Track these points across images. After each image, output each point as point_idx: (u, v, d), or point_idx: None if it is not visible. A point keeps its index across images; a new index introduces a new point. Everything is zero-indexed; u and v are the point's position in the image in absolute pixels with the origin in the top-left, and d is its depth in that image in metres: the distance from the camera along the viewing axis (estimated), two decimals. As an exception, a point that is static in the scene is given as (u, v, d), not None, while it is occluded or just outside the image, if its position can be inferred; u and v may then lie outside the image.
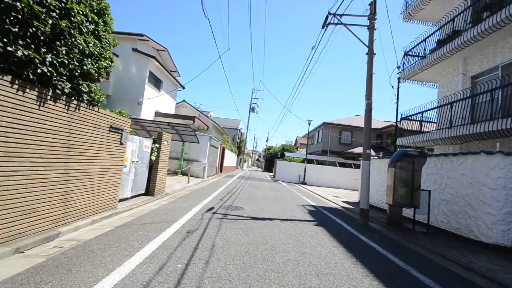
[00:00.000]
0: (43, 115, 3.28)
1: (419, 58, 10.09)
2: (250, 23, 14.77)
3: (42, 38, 3.19)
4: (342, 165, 23.55)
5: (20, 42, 2.96)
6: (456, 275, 3.86)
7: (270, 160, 42.04)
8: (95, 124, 4.34)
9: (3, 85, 2.75)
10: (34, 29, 3.06)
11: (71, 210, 3.92)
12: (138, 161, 6.46)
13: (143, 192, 7.02)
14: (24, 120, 3.03)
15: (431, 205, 6.71)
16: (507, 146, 6.83)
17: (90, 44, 4.02)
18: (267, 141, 51.41)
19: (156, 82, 14.90)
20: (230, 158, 28.78)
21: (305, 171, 21.11)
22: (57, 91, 3.53)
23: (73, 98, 3.85)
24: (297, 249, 4.13)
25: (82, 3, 3.83)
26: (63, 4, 3.43)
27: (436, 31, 9.31)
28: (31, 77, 3.12)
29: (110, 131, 4.79)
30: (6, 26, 2.79)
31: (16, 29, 2.89)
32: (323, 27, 8.02)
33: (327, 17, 7.77)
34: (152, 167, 7.34)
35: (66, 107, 3.67)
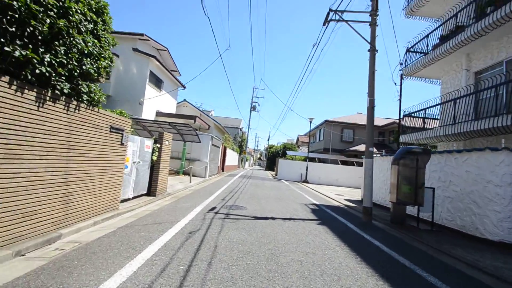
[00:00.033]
0: (42, 116, 3.25)
1: (422, 54, 9.99)
2: (250, 21, 14.71)
3: (40, 37, 3.14)
4: (344, 163, 23.45)
5: (18, 42, 2.92)
6: (462, 273, 3.80)
7: (271, 159, 41.98)
8: (95, 125, 4.30)
9: (1, 86, 2.71)
10: (31, 28, 3.02)
11: (72, 212, 3.89)
12: (139, 162, 6.43)
13: (145, 192, 6.99)
14: (23, 121, 2.99)
15: (435, 202, 6.64)
16: (512, 142, 6.74)
17: (89, 44, 3.97)
18: (268, 139, 51.30)
19: (157, 82, 14.86)
20: (232, 157, 28.76)
21: (307, 170, 21.04)
22: (56, 91, 3.49)
23: (72, 98, 3.81)
24: (300, 248, 4.09)
25: (80, 1, 3.78)
26: (61, 3, 3.38)
27: (439, 26, 9.20)
28: (30, 77, 3.08)
29: (110, 131, 4.75)
30: (3, 26, 2.74)
31: (13, 29, 2.84)
32: (324, 24, 7.94)
33: (328, 14, 7.69)
34: (154, 167, 7.31)
35: (66, 108, 3.63)
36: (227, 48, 13.51)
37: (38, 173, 3.23)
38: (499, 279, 3.64)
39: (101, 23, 4.37)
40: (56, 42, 3.39)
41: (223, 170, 22.54)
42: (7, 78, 2.77)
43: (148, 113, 13.83)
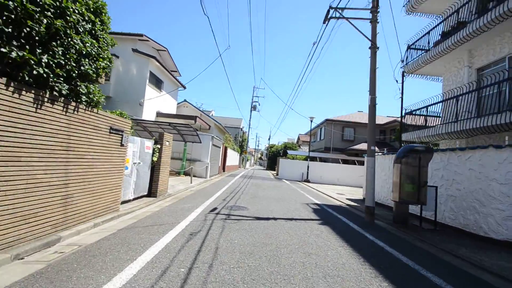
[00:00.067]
0: (40, 118, 3.21)
1: (423, 51, 9.90)
2: (250, 22, 14.64)
3: (37, 38, 3.10)
4: (345, 162, 23.38)
5: (14, 43, 2.88)
6: (468, 274, 3.73)
7: (272, 158, 41.90)
8: (94, 126, 4.26)
9: (-2, 87, 2.67)
10: (28, 29, 2.97)
11: (72, 214, 3.86)
12: (139, 163, 6.39)
13: (146, 193, 6.96)
14: (21, 123, 2.95)
15: (438, 201, 6.58)
16: (516, 140, 6.66)
17: (87, 44, 3.93)
18: (269, 139, 51.12)
19: (157, 83, 14.83)
20: (233, 157, 28.72)
21: (308, 169, 20.98)
22: (55, 92, 3.45)
23: (71, 99, 3.77)
24: (302, 249, 4.04)
25: (77, 1, 3.73)
26: (58, 3, 3.33)
27: (440, 23, 9.12)
28: (27, 79, 3.04)
29: (110, 132, 4.71)
30: (-1, 27, 2.71)
31: (10, 30, 2.80)
32: (324, 22, 7.87)
33: (328, 11, 7.61)
34: (154, 168, 7.27)
35: (64, 109, 3.59)
36: (227, 47, 13.43)
37: (37, 175, 3.20)
38: (507, 280, 3.57)
39: (99, 23, 4.32)
40: (54, 43, 3.35)
41: (224, 170, 22.51)
42: (4, 80, 2.73)
43: (148, 114, 13.80)
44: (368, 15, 7.52)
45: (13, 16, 2.81)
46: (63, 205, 3.66)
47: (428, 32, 9.60)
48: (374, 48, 7.32)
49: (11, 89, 2.81)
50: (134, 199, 6.39)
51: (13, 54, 2.80)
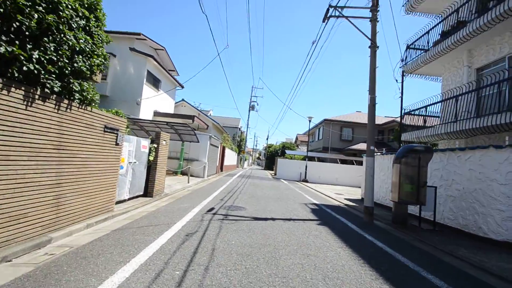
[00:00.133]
0: (31, 116, 3.11)
1: (422, 51, 9.86)
2: (249, 19, 14.55)
3: (27, 33, 3.00)
4: (343, 162, 23.35)
5: (3, 38, 2.78)
6: (468, 275, 3.67)
7: (270, 158, 41.82)
8: (88, 124, 4.16)
9: (-15, 83, 2.57)
10: (18, 23, 2.87)
11: (64, 214, 3.75)
12: (135, 162, 6.29)
13: (142, 193, 6.85)
14: (9, 121, 2.85)
15: (437, 201, 6.52)
16: (516, 140, 6.62)
17: (81, 40, 3.82)
18: (267, 139, 51.15)
19: (155, 82, 14.70)
20: (231, 157, 28.61)
21: (306, 169, 20.92)
22: (46, 90, 3.34)
23: (63, 97, 3.67)
24: (301, 251, 3.96)
25: (70, -4, 3.63)
26: (49, -3, 3.24)
27: (440, 22, 9.08)
28: (17, 75, 2.94)
29: (104, 131, 4.61)
30: (-14, 21, 2.61)
31: (-2, 24, 2.70)
32: (323, 21, 7.80)
33: (327, 10, 7.54)
34: (151, 167, 7.17)
35: (56, 107, 3.49)
36: (226, 46, 13.35)
37: (27, 175, 3.09)
38: (508, 281, 3.51)
39: (93, 19, 4.22)
40: (45, 39, 3.24)
41: (221, 170, 22.41)
42: (-9, 76, 2.63)
43: (145, 113, 13.67)
44: (368, 13, 7.46)
45: (1, 10, 2.71)
46: (54, 205, 3.55)
47: (428, 32, 9.56)
48: (374, 47, 7.26)
49: (-1, 85, 2.71)
50: (130, 199, 6.29)
51: (2, 49, 2.70)
